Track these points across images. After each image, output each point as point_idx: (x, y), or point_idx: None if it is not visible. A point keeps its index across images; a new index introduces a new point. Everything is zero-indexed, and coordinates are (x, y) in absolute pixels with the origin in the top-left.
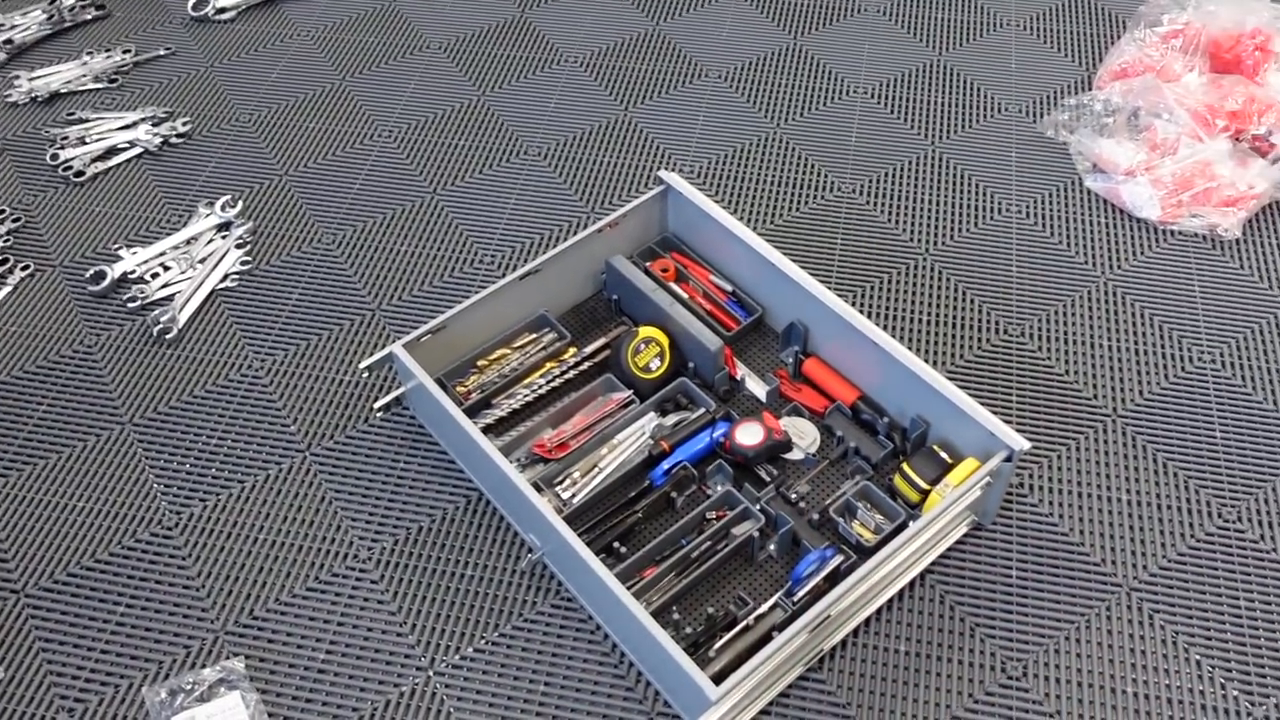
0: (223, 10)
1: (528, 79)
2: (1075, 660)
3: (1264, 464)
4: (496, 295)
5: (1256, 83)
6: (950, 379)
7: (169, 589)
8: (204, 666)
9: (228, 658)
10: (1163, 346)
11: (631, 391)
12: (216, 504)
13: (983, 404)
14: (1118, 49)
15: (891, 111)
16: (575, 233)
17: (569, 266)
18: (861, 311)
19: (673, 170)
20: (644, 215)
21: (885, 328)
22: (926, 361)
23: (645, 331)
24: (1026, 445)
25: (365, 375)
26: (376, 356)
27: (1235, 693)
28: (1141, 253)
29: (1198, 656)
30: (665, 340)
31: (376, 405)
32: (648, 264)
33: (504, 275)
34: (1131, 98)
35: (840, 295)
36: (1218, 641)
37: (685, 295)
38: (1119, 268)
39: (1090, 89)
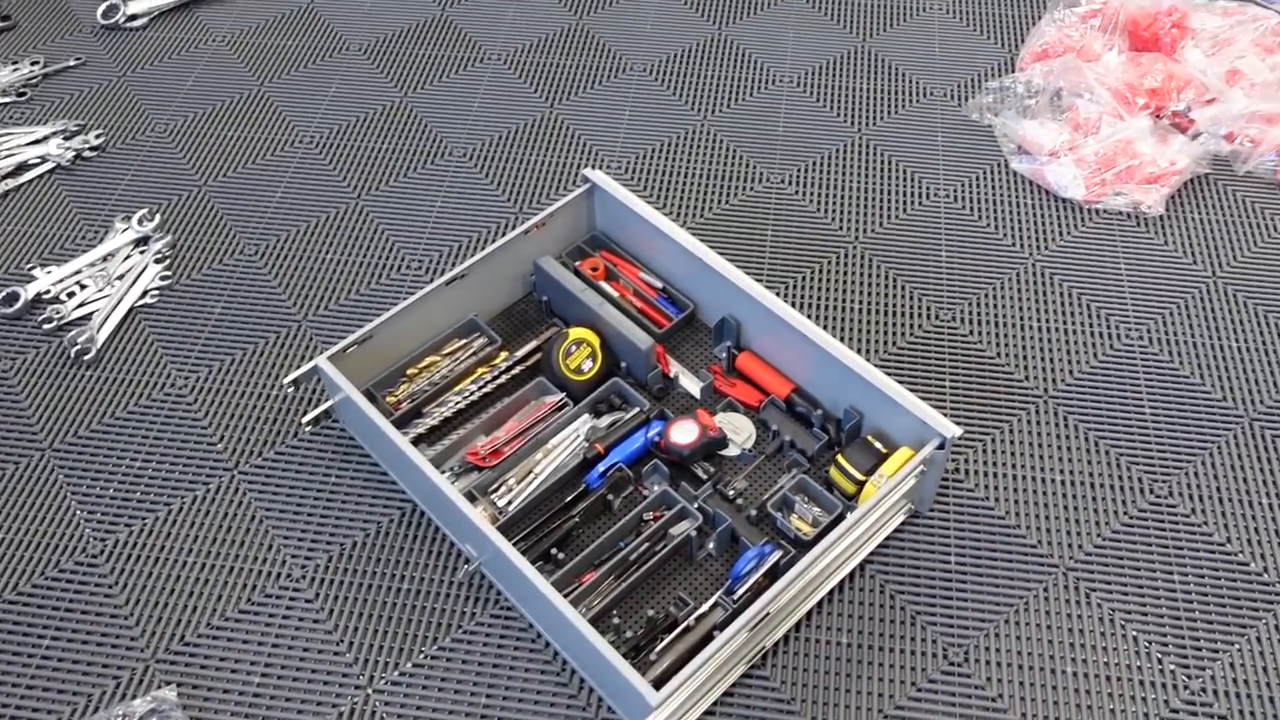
0: (134, 17)
1: (451, 78)
2: (1015, 643)
3: (1192, 439)
4: (423, 302)
5: (1175, 59)
6: (883, 367)
7: (96, 619)
8: (134, 697)
9: (159, 687)
10: (1091, 325)
11: (564, 394)
12: (143, 528)
13: (916, 391)
14: (1038, 30)
15: (818, 100)
16: (503, 234)
17: (497, 269)
18: (794, 302)
19: (601, 167)
20: (571, 214)
21: (818, 318)
22: (860, 350)
23: (576, 333)
24: (958, 432)
25: (291, 390)
26: (301, 370)
27: (1172, 666)
28: (1068, 232)
29: (1134, 633)
30: (596, 341)
31: (305, 419)
32: (577, 263)
33: (431, 280)
34: (1053, 79)
35: (772, 287)
36: (1154, 617)
37: (616, 294)
38: (1046, 248)
39: (1013, 71)
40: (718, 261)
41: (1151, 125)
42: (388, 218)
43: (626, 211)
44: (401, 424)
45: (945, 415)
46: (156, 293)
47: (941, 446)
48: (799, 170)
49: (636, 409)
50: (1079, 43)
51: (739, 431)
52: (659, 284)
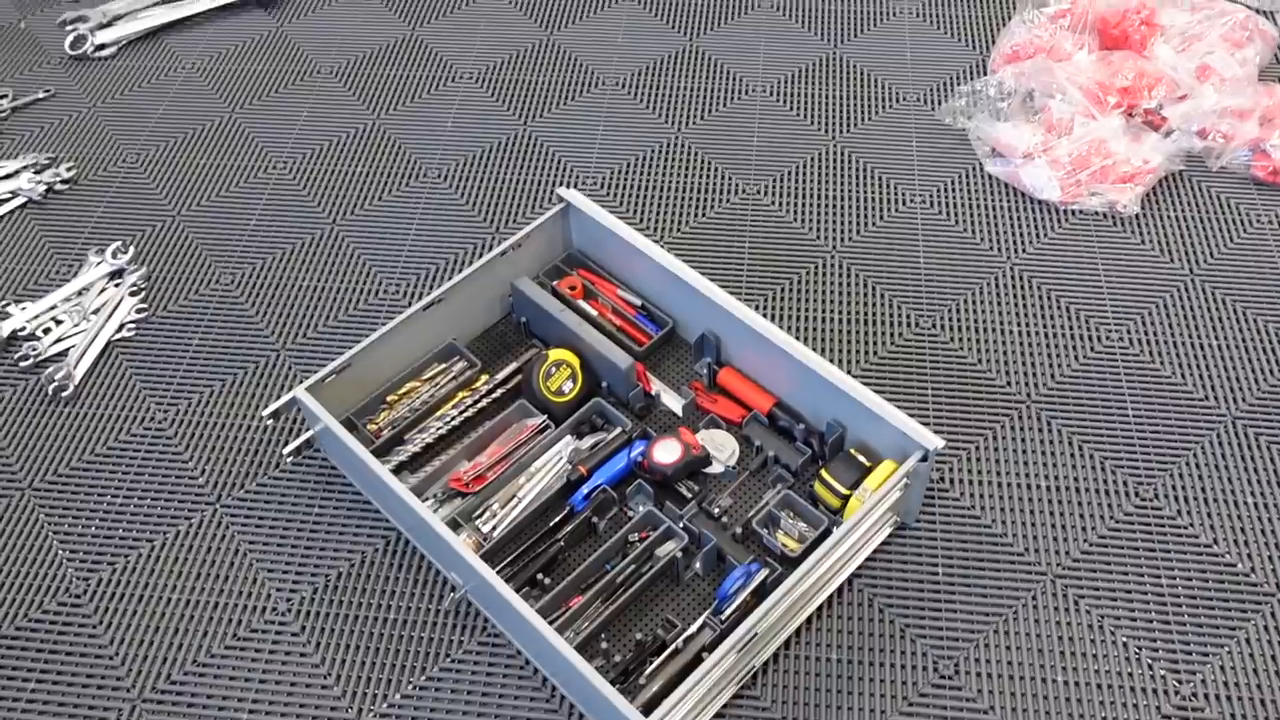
0: (102, 47)
1: (423, 98)
2: (1005, 654)
3: (1175, 439)
4: (401, 328)
5: (1145, 56)
6: (865, 378)
7: (80, 659)
8: None
9: None
10: (1071, 328)
11: (546, 416)
12: (126, 566)
13: (899, 400)
14: (1008, 31)
15: (791, 108)
16: (480, 255)
17: (474, 292)
18: (773, 314)
19: (576, 183)
20: (547, 234)
21: (798, 329)
22: (841, 361)
23: (556, 354)
24: (941, 444)
25: (271, 422)
26: (280, 402)
27: (1163, 671)
28: (1044, 234)
29: (1124, 639)
30: (576, 361)
31: (286, 450)
32: (555, 283)
33: (410, 304)
34: (1024, 80)
35: (751, 299)
36: (1143, 622)
37: (594, 313)
38: (1024, 251)
39: (985, 73)
40: (695, 278)
41: (1124, 124)
42: (364, 242)
43: (602, 230)
44: (383, 452)
45: (929, 424)
46: (133, 326)
47: (924, 459)
48: (774, 180)
49: (619, 429)
50: (1049, 43)
51: (722, 448)
52: (638, 301)
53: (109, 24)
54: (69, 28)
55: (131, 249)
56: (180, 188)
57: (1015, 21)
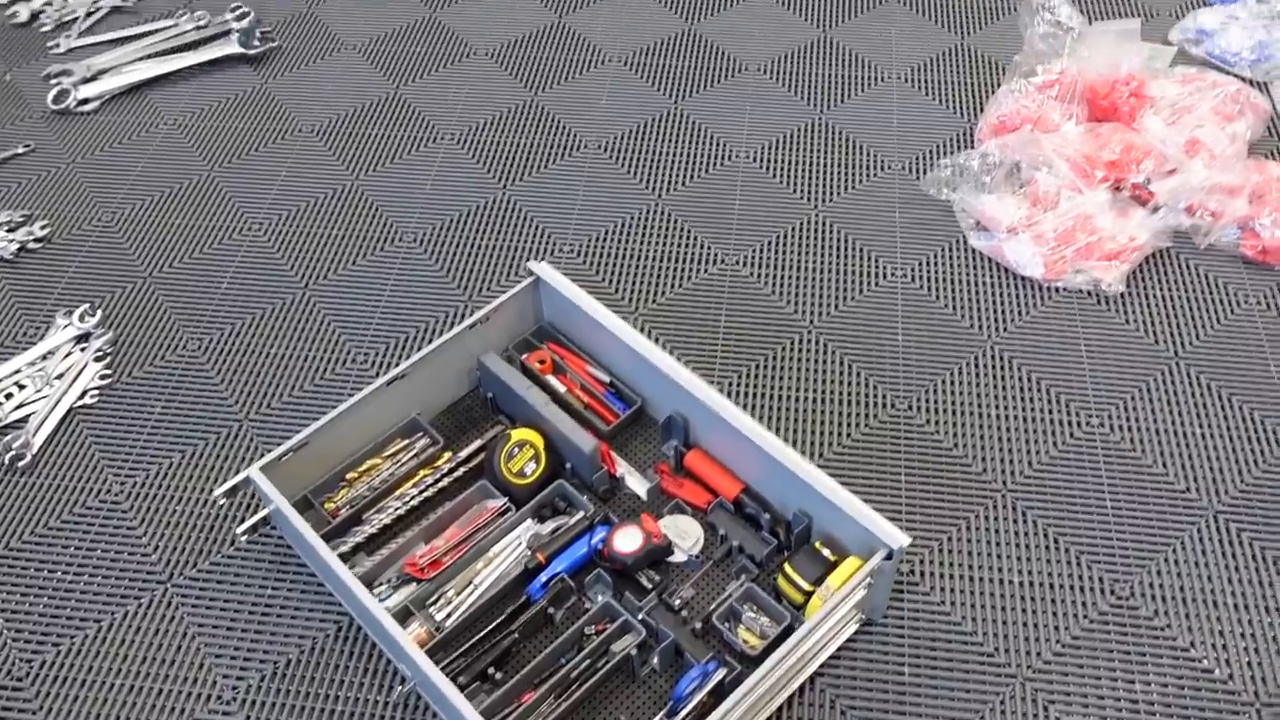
0: (85, 101)
1: (404, 159)
2: None
3: (1155, 533)
4: (363, 404)
5: (1134, 129)
6: (838, 460)
7: None
8: None
9: None
10: (1051, 412)
11: (507, 499)
12: (71, 648)
13: (871, 486)
14: (995, 101)
15: (774, 176)
16: (454, 323)
17: (440, 366)
18: (747, 391)
19: (553, 250)
20: (517, 307)
21: (772, 407)
22: (814, 442)
23: (518, 434)
24: (907, 542)
25: (224, 501)
26: (232, 482)
27: None
28: (1027, 312)
29: None
30: (540, 442)
31: (240, 529)
32: (524, 356)
33: (378, 375)
34: (1010, 152)
35: (725, 374)
36: None
37: (562, 389)
38: (1005, 330)
39: (972, 142)
40: (663, 359)
41: (1110, 199)
42: (335, 308)
43: (572, 305)
44: (340, 532)
45: (900, 513)
46: (96, 393)
47: (889, 557)
48: (754, 251)
49: (581, 513)
50: (1036, 113)
51: (686, 536)
52: (607, 378)
53: (93, 78)
54: (53, 81)
55: (99, 312)
56: (154, 248)
57: (1003, 91)
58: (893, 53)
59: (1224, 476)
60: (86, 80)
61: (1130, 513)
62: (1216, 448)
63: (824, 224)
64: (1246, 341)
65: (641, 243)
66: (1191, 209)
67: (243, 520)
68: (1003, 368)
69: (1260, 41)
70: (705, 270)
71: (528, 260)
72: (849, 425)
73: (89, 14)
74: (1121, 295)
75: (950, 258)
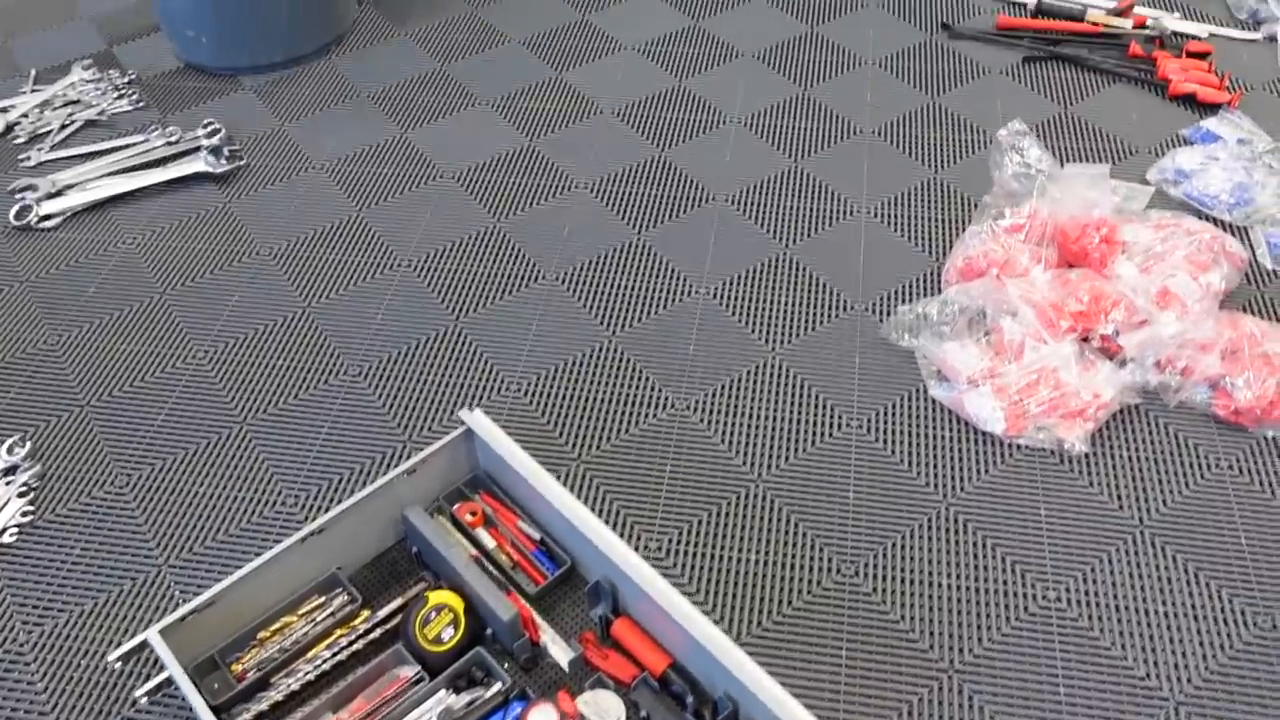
0: (48, 217)
1: (358, 286)
2: None
3: None
4: (280, 558)
5: (1105, 275)
6: (776, 630)
7: None
8: None
9: None
10: (1006, 583)
11: (420, 668)
12: None
13: (810, 661)
14: (962, 242)
15: (734, 313)
16: (391, 464)
17: (368, 516)
18: (689, 551)
19: (501, 387)
20: (449, 455)
21: (712, 568)
22: (753, 609)
23: (437, 597)
24: None
25: (119, 665)
26: (127, 647)
27: None
28: (986, 471)
29: None
30: (460, 605)
31: (139, 692)
32: (455, 507)
33: (307, 520)
34: (976, 298)
35: (665, 531)
36: None
37: (492, 544)
38: (962, 490)
39: (939, 283)
40: (590, 523)
41: (1077, 352)
42: (270, 445)
43: (502, 459)
44: (245, 698)
45: (839, 694)
46: (16, 531)
47: None
48: (707, 395)
49: (498, 685)
50: (1004, 257)
51: (606, 714)
52: (538, 535)
53: (58, 193)
54: (17, 196)
55: (28, 444)
56: (95, 375)
57: (970, 232)
58: (864, 185)
59: (1188, 662)
60: (51, 196)
61: (1085, 701)
62: (1179, 629)
63: (781, 368)
64: (1216, 510)
65: (591, 383)
66: (1162, 364)
67: (147, 679)
68: (958, 532)
69: (1240, 184)
70: (655, 415)
71: (471, 401)
72: (792, 591)
73: (63, 126)
74: (1085, 456)
75: (909, 409)
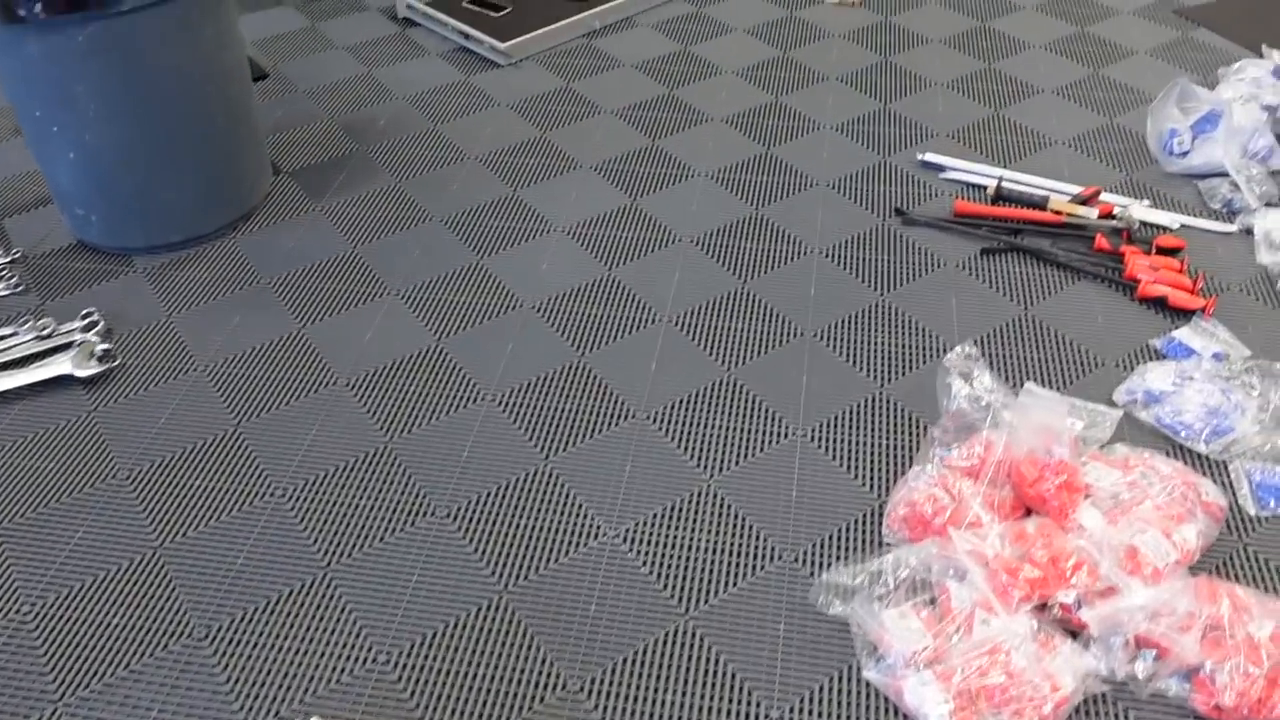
0: None
1: (220, 521)
2: None
3: None
4: None
5: (1065, 527)
6: None
7: None
8: None
9: None
10: None
11: None
12: None
13: None
14: (905, 484)
15: (642, 565)
16: None
17: None
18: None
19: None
20: None
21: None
22: None
23: None
24: None
25: None
26: None
27: None
28: None
29: None
30: None
31: None
32: None
33: None
34: (920, 557)
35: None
36: None
37: None
38: None
39: (880, 525)
40: None
41: (1033, 629)
42: None
43: None
44: None
45: None
46: None
47: None
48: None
49: None
50: (952, 503)
51: None
52: None
53: None
54: None
55: None
56: None
57: (914, 473)
58: (801, 403)
59: None
60: None
61: None
62: None
63: (694, 636)
64: None
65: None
66: (1131, 644)
67: None
68: None
69: (1216, 408)
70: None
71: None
72: None
73: None
74: None
75: (838, 695)
